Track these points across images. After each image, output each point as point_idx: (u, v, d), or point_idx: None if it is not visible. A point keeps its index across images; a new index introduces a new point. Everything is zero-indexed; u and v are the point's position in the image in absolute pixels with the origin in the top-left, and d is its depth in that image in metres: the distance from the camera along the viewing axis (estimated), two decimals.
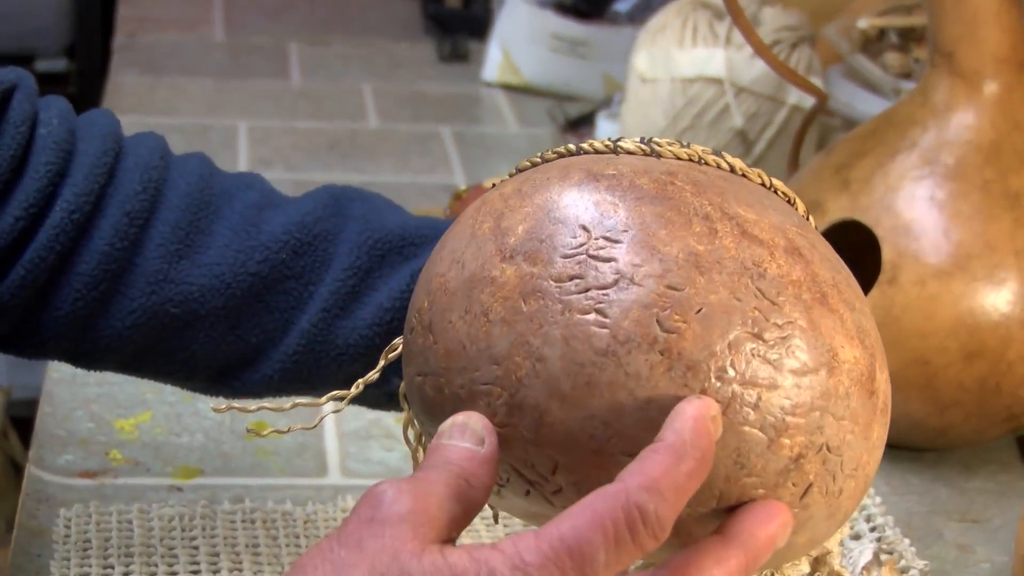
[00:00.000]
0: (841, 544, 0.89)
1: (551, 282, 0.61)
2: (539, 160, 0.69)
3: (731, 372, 0.59)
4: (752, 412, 0.59)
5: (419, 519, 0.60)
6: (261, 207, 0.84)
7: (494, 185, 0.69)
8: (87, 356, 0.84)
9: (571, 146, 0.69)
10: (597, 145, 0.68)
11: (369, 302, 0.83)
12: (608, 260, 0.61)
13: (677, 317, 0.60)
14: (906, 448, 1.09)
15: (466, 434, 0.63)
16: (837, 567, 0.85)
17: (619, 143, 0.67)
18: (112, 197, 0.81)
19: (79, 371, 1.09)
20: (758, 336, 0.60)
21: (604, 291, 0.60)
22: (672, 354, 0.59)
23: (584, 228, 0.62)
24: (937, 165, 1.04)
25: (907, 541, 0.95)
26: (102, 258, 0.80)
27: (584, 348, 0.60)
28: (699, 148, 0.67)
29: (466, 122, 1.79)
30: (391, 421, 1.06)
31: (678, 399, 0.59)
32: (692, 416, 0.58)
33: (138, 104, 1.74)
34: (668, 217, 0.62)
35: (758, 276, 0.61)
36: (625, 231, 0.62)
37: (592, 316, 0.60)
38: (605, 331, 0.60)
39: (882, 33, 1.47)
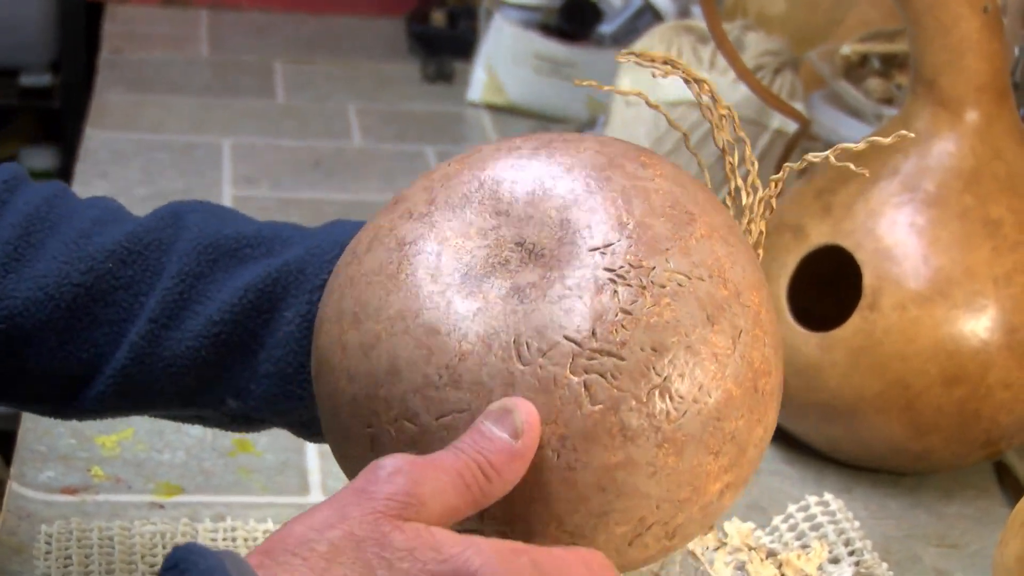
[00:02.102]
0: (820, 568, 0.89)
1: None
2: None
3: None
4: None
5: (408, 501, 0.60)
6: (101, 222, 0.82)
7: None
8: None
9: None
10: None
11: (199, 312, 0.79)
12: None
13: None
14: (885, 472, 1.10)
15: (506, 423, 0.63)
16: None
17: None
18: None
19: None
20: None
21: None
22: None
23: None
24: (918, 191, 1.05)
25: (885, 565, 0.95)
26: None
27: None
28: None
29: (451, 142, 1.80)
30: None
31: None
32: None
33: (124, 121, 1.74)
34: None
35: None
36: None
37: None
38: None
39: (864, 59, 1.47)
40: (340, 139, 1.78)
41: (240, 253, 0.81)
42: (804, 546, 0.97)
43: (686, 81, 0.73)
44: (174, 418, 0.85)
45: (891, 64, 1.46)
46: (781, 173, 0.74)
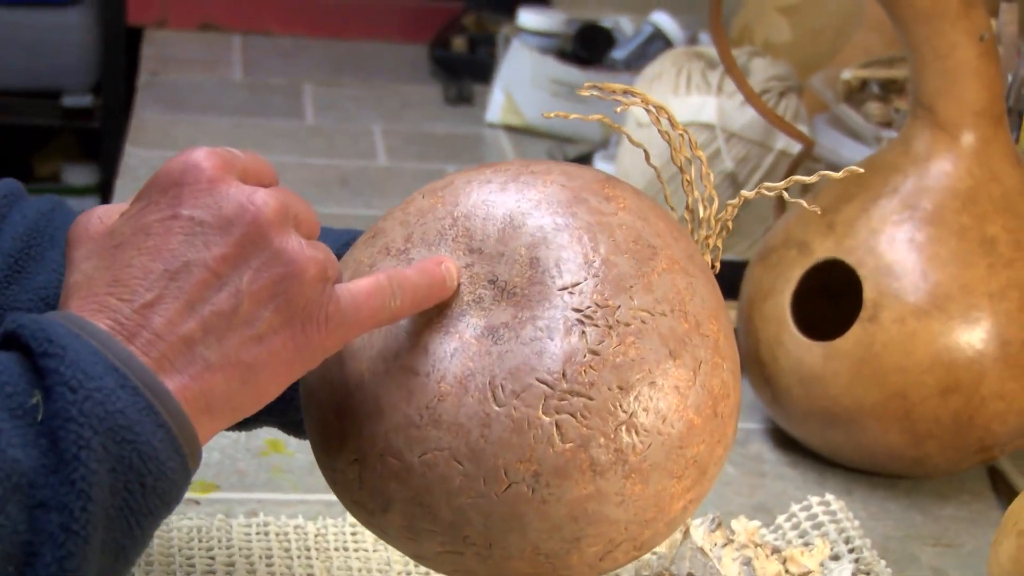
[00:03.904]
0: (822, 565, 0.89)
1: None
2: None
3: None
4: None
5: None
6: None
7: None
8: None
9: None
10: None
11: None
12: None
13: None
14: (884, 476, 1.10)
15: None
16: None
17: None
18: None
19: None
20: None
21: None
22: None
23: None
24: (917, 210, 1.05)
25: (883, 563, 0.95)
26: None
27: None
28: None
29: (470, 161, 1.80)
30: None
31: None
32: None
33: (160, 139, 1.75)
34: None
35: None
36: None
37: None
38: None
39: (865, 84, 1.48)
40: (366, 158, 1.78)
41: None
42: (807, 544, 0.97)
43: (646, 108, 0.74)
44: None
45: (890, 89, 1.47)
46: (737, 200, 0.74)
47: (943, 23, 1.03)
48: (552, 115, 0.75)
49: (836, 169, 1.38)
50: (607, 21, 1.94)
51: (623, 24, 1.94)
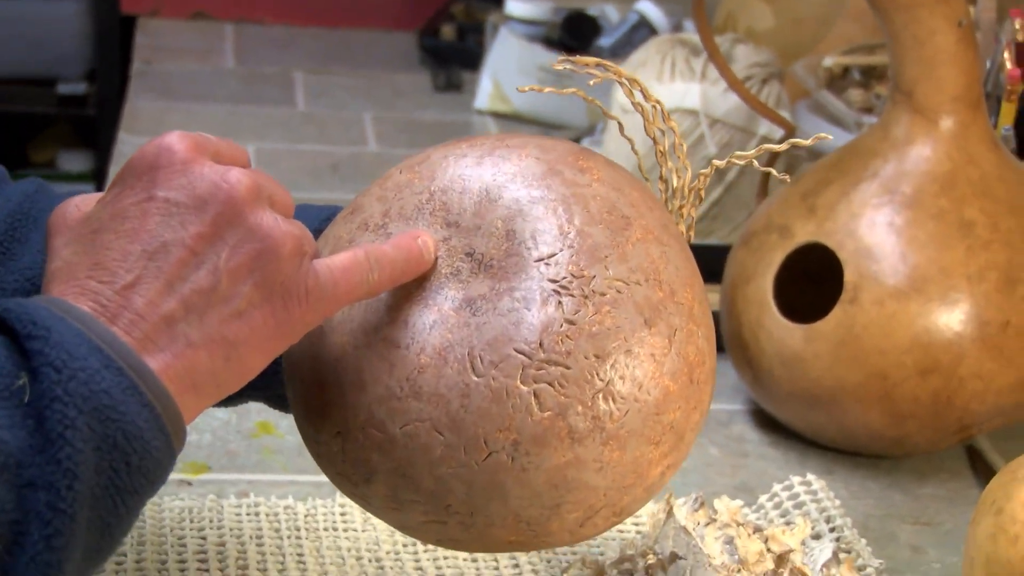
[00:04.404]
0: (803, 543, 0.89)
1: None
2: None
3: None
4: None
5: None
6: None
7: None
8: None
9: None
10: None
11: None
12: None
13: None
14: (864, 455, 1.10)
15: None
16: (799, 564, 0.85)
17: None
18: None
19: None
20: None
21: None
22: None
23: None
24: (896, 194, 1.05)
25: (864, 541, 0.95)
26: None
27: None
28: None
29: None
30: None
31: None
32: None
33: (154, 127, 1.74)
34: None
35: None
36: None
37: None
38: None
39: (846, 71, 1.47)
40: (356, 145, 1.78)
41: None
42: (788, 523, 0.97)
43: (619, 81, 0.74)
44: None
45: (870, 76, 1.46)
46: (709, 168, 0.74)
47: (922, 10, 1.02)
48: (526, 89, 0.75)
49: (817, 155, 1.38)
50: (593, 9, 1.93)
51: (609, 12, 1.93)
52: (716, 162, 0.74)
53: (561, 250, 0.67)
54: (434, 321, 0.67)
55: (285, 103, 1.91)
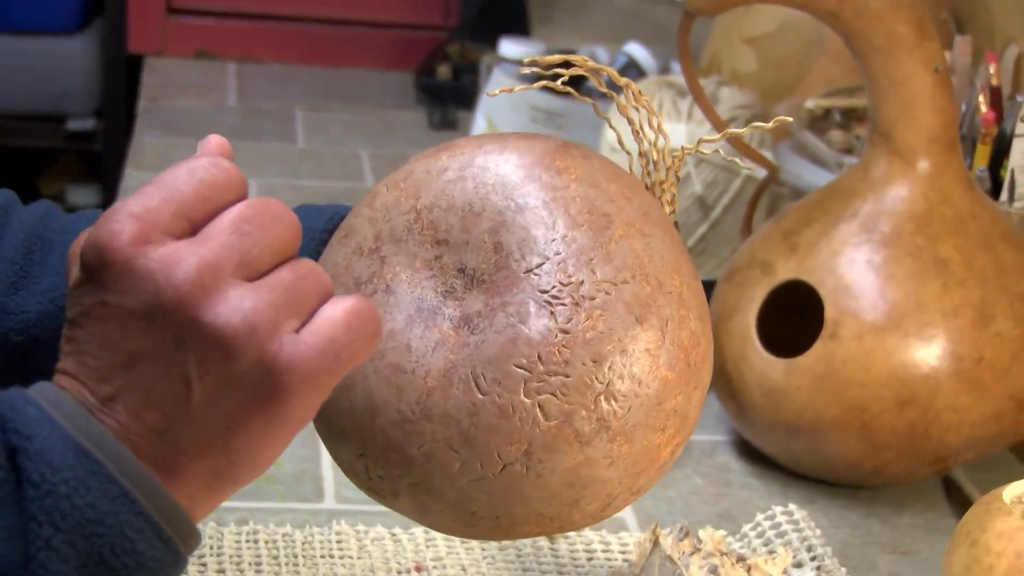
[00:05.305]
0: (785, 572, 0.89)
1: None
2: None
3: None
4: None
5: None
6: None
7: None
8: None
9: None
10: None
11: None
12: None
13: None
14: (844, 486, 1.10)
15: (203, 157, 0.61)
16: None
17: None
18: None
19: None
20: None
21: None
22: None
23: None
24: (875, 233, 1.05)
25: (844, 570, 0.95)
26: None
27: None
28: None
29: None
30: None
31: None
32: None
33: (159, 162, 1.74)
34: None
35: None
36: None
37: None
38: None
39: (827, 113, 1.48)
40: (353, 180, 1.78)
41: None
42: (771, 552, 0.97)
43: (585, 73, 0.73)
44: None
45: (851, 117, 1.47)
46: (681, 151, 0.74)
47: (899, 54, 1.03)
48: (497, 92, 0.75)
49: (799, 194, 1.38)
50: (584, 51, 1.94)
51: (599, 54, 1.93)
52: (686, 147, 0.74)
53: (548, 259, 0.67)
54: (436, 343, 0.67)
55: (285, 139, 1.91)
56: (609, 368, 0.66)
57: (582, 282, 0.66)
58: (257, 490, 1.02)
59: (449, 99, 2.08)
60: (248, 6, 2.29)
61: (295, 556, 0.93)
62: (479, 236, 0.68)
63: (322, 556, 0.93)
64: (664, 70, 1.84)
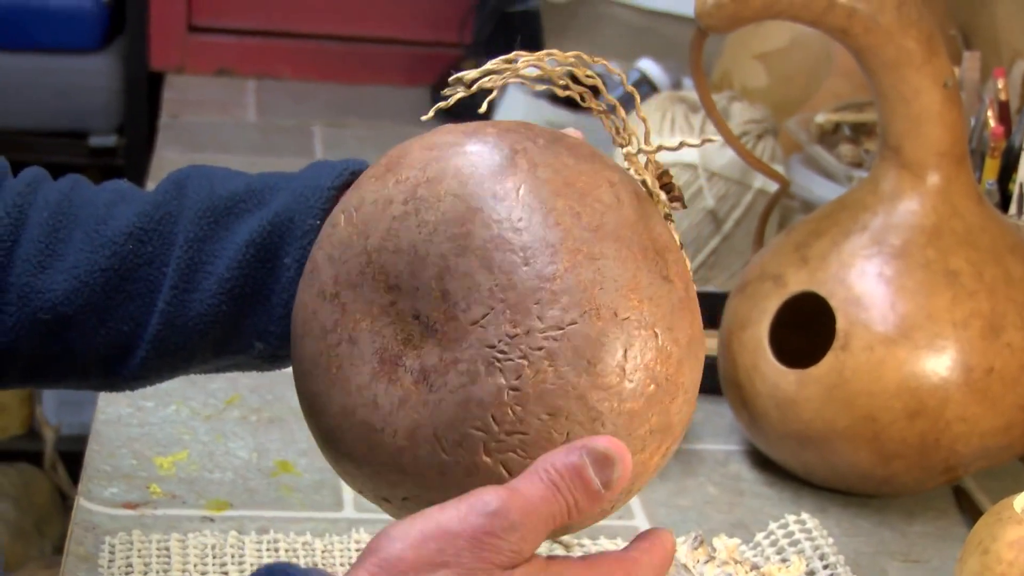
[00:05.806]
0: None
1: None
2: None
3: None
4: None
5: (518, 557, 0.61)
6: (111, 204, 0.81)
7: None
8: None
9: None
10: None
11: (211, 272, 0.79)
12: None
13: None
14: (855, 495, 1.09)
15: (605, 473, 0.62)
16: None
17: None
18: None
19: (124, 413, 1.10)
20: None
21: None
22: None
23: None
24: (885, 245, 1.05)
25: None
26: None
27: None
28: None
29: None
30: None
31: None
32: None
33: None
34: None
35: None
36: None
37: None
38: None
39: (837, 127, 1.47)
40: None
41: (235, 209, 0.80)
42: (784, 560, 0.96)
43: (565, 63, 0.72)
44: (216, 370, 0.84)
45: (860, 131, 1.47)
46: (672, 143, 0.73)
47: (908, 70, 1.03)
48: (431, 115, 0.73)
49: (810, 207, 1.38)
50: (597, 67, 1.93)
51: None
52: (664, 144, 0.73)
53: (492, 309, 0.63)
54: (399, 399, 0.66)
55: (304, 154, 1.91)
56: (567, 418, 0.62)
57: (528, 331, 0.62)
58: (277, 499, 1.02)
59: (464, 114, 2.07)
60: (267, 24, 2.29)
61: (315, 564, 0.93)
62: (427, 283, 0.65)
63: (342, 564, 0.93)
64: (676, 85, 1.83)
